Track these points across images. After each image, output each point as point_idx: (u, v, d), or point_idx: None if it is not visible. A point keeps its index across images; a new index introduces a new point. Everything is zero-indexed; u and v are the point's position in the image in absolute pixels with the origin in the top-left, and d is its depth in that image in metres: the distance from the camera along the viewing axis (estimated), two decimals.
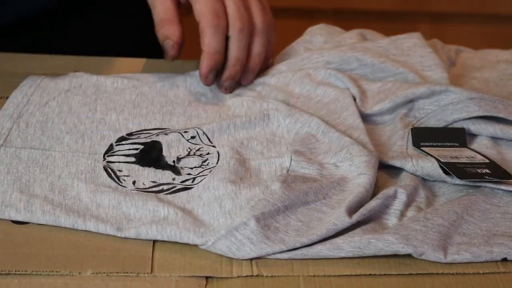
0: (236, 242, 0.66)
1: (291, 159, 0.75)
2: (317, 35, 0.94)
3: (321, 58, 0.88)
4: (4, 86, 0.86)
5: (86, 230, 0.68)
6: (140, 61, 0.94)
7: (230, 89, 0.86)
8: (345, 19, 1.94)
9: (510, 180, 0.74)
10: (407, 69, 0.88)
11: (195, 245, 0.67)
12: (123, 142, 0.78)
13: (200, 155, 0.76)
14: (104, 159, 0.75)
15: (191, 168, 0.75)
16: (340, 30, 0.95)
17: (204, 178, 0.73)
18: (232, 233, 0.67)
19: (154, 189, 0.72)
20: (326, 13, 1.93)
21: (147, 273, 0.65)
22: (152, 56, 0.96)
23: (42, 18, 1.00)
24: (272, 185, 0.71)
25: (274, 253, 0.67)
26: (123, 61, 0.94)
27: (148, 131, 0.79)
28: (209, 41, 0.83)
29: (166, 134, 0.78)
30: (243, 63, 0.85)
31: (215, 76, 0.84)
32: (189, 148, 0.77)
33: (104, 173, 0.74)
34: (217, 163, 0.75)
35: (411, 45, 0.91)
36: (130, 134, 0.79)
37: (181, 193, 0.72)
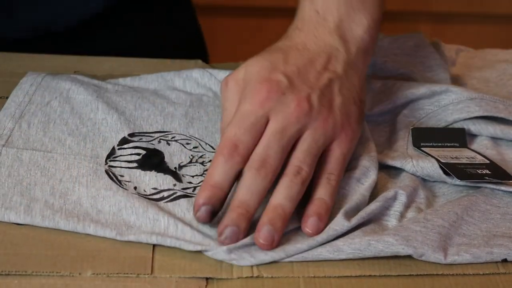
0: (236, 257, 0.66)
1: None
2: None
3: None
4: (4, 86, 0.86)
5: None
6: (140, 61, 0.94)
7: (230, 240, 0.67)
8: None
9: (510, 181, 0.74)
10: (408, 69, 0.88)
11: None
12: (125, 146, 0.77)
13: (202, 163, 0.76)
14: (106, 163, 0.75)
15: (192, 177, 0.74)
16: None
17: None
18: (231, 250, 0.66)
19: (155, 196, 0.72)
20: None
21: (147, 274, 0.65)
22: (152, 56, 0.95)
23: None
24: None
25: (274, 261, 0.67)
26: (123, 61, 0.93)
27: (150, 135, 0.79)
28: (212, 170, 0.69)
29: (168, 144, 0.78)
30: (251, 210, 0.68)
31: (211, 215, 0.68)
32: (191, 155, 0.77)
33: (106, 176, 0.73)
34: None
35: (413, 45, 0.91)
36: (132, 135, 0.78)
37: (182, 200, 0.71)
